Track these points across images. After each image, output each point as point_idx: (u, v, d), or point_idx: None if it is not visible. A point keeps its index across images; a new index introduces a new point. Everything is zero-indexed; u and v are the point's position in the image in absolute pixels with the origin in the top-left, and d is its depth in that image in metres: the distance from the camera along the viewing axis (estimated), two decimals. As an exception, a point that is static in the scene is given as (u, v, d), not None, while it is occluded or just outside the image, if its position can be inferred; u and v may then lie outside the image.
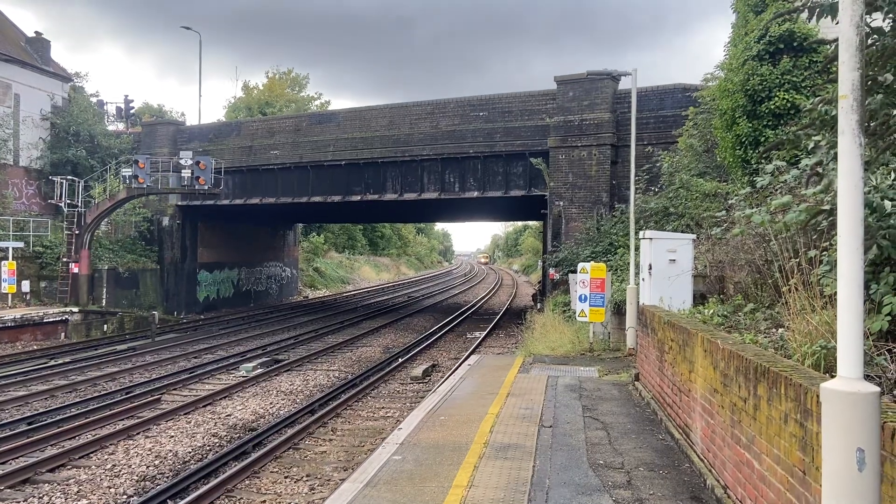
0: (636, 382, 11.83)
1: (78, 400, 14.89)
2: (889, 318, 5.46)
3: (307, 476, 10.29)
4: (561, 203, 23.92)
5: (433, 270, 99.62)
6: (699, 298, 11.55)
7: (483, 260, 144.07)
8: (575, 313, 16.61)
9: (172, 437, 12.20)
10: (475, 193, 26.48)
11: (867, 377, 5.00)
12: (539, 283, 35.83)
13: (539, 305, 26.38)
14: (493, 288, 59.74)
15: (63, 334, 25.19)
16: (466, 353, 21.13)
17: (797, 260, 6.61)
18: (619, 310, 16.30)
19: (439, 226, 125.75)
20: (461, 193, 26.87)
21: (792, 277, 6.34)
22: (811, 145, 6.77)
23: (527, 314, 23.80)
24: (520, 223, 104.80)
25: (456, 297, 49.42)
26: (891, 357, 5.22)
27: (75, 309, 26.25)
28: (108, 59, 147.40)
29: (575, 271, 16.90)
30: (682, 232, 14.45)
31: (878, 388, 3.12)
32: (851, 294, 3.14)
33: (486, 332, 26.64)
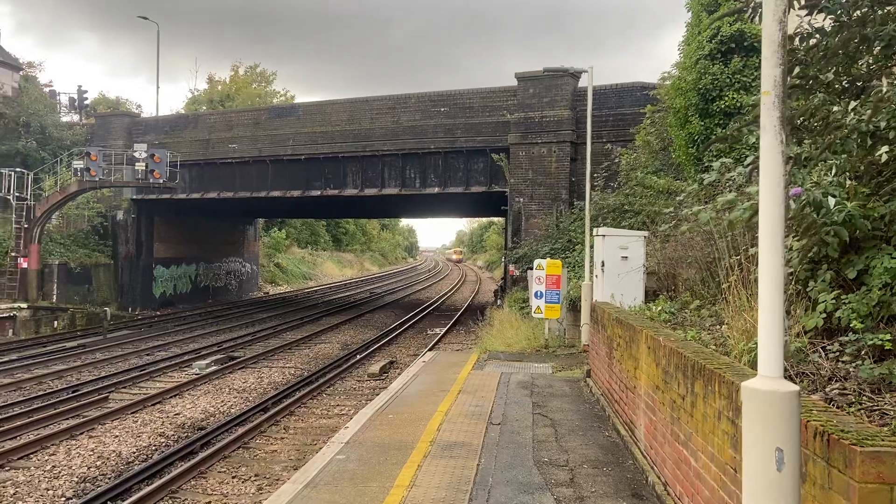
0: (588, 379, 11.86)
1: (21, 399, 14.45)
2: (824, 315, 5.50)
3: (255, 476, 10.11)
4: (521, 199, 23.95)
5: (397, 266, 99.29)
6: (651, 295, 11.61)
7: (455, 256, 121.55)
8: (532, 309, 16.63)
9: (117, 436, 11.88)
10: (436, 189, 26.38)
11: (802, 375, 5.04)
12: (501, 279, 35.89)
13: (499, 302, 26.40)
14: (457, 284, 59.74)
15: (10, 331, 24.45)
16: (426, 349, 21.02)
17: (738, 257, 6.65)
18: (574, 306, 16.35)
19: (404, 221, 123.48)
20: (422, 189, 26.74)
21: (732, 275, 6.37)
22: (753, 140, 6.81)
23: (486, 310, 23.78)
24: (485, 219, 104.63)
25: (419, 294, 49.28)
26: (825, 354, 5.26)
27: (24, 305, 25.50)
28: (84, 53, 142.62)
29: (533, 268, 16.92)
30: (638, 229, 14.53)
31: (797, 388, 3.08)
32: (772, 292, 3.10)
33: (446, 329, 26.56)
